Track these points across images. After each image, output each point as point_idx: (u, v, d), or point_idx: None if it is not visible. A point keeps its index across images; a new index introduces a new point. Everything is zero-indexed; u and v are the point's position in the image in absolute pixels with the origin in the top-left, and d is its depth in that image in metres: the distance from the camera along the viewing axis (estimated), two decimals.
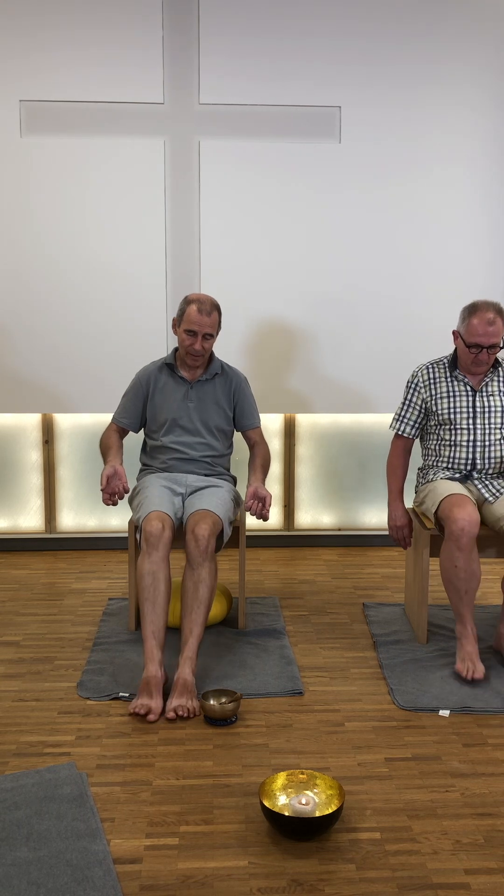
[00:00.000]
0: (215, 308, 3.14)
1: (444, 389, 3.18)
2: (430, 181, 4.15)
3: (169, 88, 4.02)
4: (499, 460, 3.16)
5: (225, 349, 4.04)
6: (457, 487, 3.05)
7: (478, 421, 3.14)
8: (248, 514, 3.17)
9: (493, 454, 3.15)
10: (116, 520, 4.36)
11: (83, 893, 1.84)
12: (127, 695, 2.75)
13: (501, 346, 3.08)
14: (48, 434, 4.29)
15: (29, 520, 4.36)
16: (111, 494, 2.94)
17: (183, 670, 2.72)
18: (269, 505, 3.01)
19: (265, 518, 3.01)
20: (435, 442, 3.24)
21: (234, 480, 3.34)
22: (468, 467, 3.16)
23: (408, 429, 3.27)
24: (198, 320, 3.09)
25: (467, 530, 2.85)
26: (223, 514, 3.02)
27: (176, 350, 3.27)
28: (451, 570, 2.90)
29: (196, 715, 2.63)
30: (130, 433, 3.34)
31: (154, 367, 3.28)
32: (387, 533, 3.32)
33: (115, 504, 2.96)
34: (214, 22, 3.97)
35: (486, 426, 3.14)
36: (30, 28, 3.92)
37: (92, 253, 4.10)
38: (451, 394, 3.17)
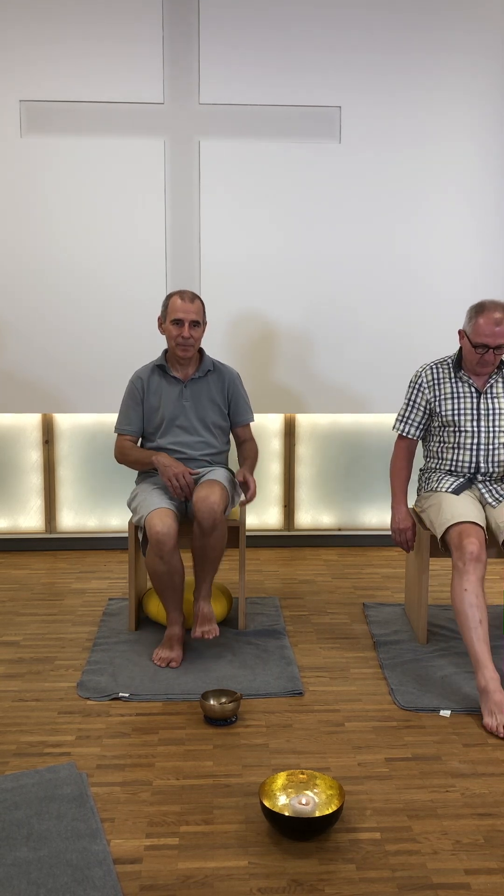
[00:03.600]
0: (197, 297, 3.21)
1: (448, 390, 3.14)
2: (431, 181, 4.15)
3: (169, 88, 4.02)
4: (503, 464, 3.14)
5: (225, 348, 4.04)
6: (462, 506, 2.96)
7: (482, 423, 3.10)
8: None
9: (497, 458, 3.11)
10: (116, 520, 4.36)
11: (83, 893, 1.84)
12: (127, 695, 2.75)
13: None
14: (48, 434, 4.29)
15: (29, 520, 4.36)
16: (187, 491, 3.05)
17: (202, 604, 3.06)
18: (254, 489, 3.10)
19: (249, 500, 3.12)
20: (438, 444, 3.20)
21: (231, 473, 3.34)
22: (472, 471, 3.13)
23: (412, 430, 3.23)
24: (182, 307, 3.14)
25: (478, 556, 2.78)
26: (229, 488, 3.10)
27: (166, 352, 3.28)
28: (460, 595, 2.76)
29: (217, 635, 3.02)
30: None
31: (146, 369, 3.29)
32: (387, 533, 3.30)
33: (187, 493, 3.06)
34: (214, 22, 3.97)
35: (491, 429, 3.10)
36: (30, 28, 3.92)
37: (92, 252, 4.10)
38: (455, 395, 3.13)
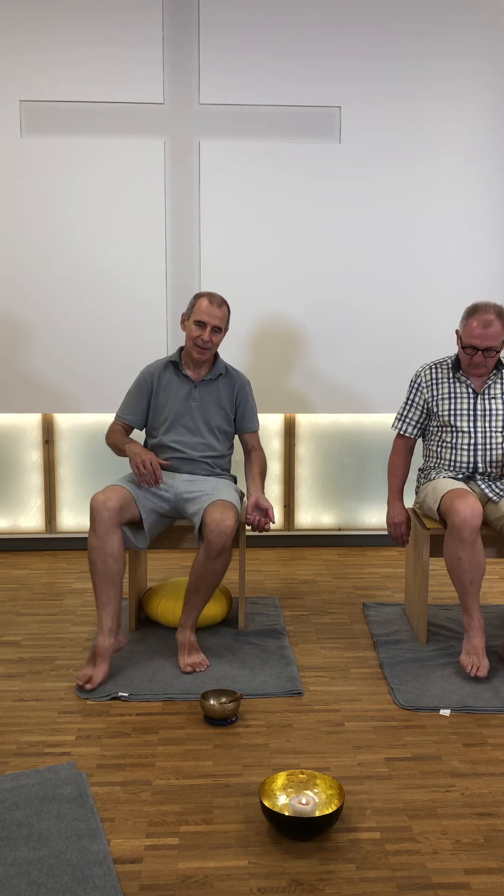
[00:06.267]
0: (225, 303, 3.19)
1: (446, 390, 3.16)
2: (431, 181, 4.15)
3: (169, 88, 4.02)
4: (500, 463, 3.14)
5: (226, 349, 4.03)
6: (458, 483, 3.03)
7: (478, 424, 3.12)
8: (248, 528, 3.16)
9: (494, 458, 3.12)
10: None
11: (83, 893, 1.84)
12: (127, 695, 2.75)
13: (500, 349, 3.04)
14: (48, 434, 4.29)
15: (29, 520, 4.36)
16: (152, 478, 3.01)
17: (188, 633, 3.00)
18: (273, 517, 3.06)
19: (266, 530, 3.05)
20: (436, 444, 3.22)
21: (234, 479, 3.34)
22: (469, 470, 3.14)
23: (409, 428, 3.26)
24: (208, 310, 3.12)
25: (469, 520, 2.81)
26: (238, 507, 3.07)
27: (181, 349, 3.28)
28: (454, 561, 2.86)
29: (208, 667, 2.94)
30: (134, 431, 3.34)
31: (159, 364, 3.28)
32: (387, 533, 3.31)
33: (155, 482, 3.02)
34: (214, 22, 3.97)
35: (487, 429, 3.11)
36: (30, 28, 3.92)
37: (92, 253, 4.10)
38: (453, 395, 3.14)
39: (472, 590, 2.88)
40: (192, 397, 3.22)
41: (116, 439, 3.20)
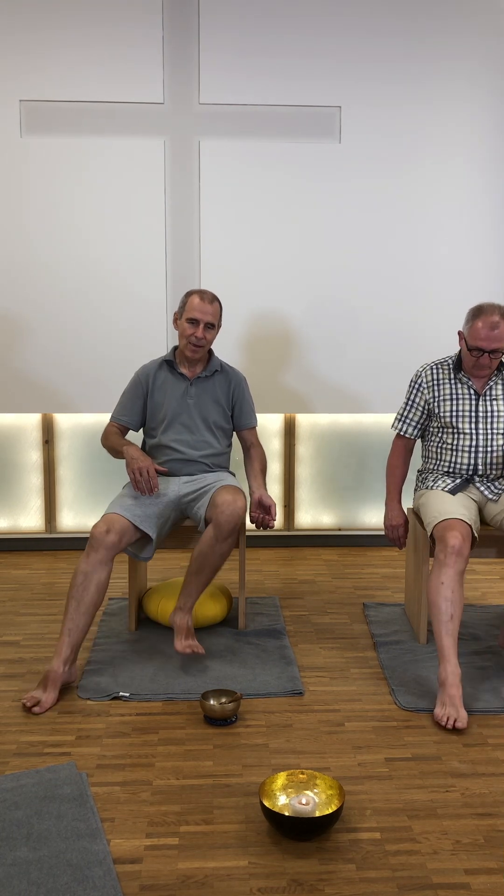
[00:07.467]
0: (216, 299, 3.19)
1: (448, 391, 3.15)
2: (431, 181, 4.15)
3: (169, 88, 4.02)
4: (501, 466, 3.13)
5: (225, 348, 4.04)
6: (451, 503, 2.96)
7: (480, 425, 3.11)
8: (251, 524, 3.16)
9: (494, 460, 3.11)
10: None
11: (83, 893, 1.84)
12: (127, 695, 2.75)
13: None
14: (48, 434, 4.29)
15: (29, 520, 4.36)
16: (148, 486, 3.01)
17: (187, 618, 2.99)
18: (275, 515, 3.06)
19: (270, 527, 3.05)
20: (436, 445, 3.21)
21: (232, 474, 3.33)
22: (469, 472, 3.14)
23: (409, 429, 3.25)
24: (200, 308, 3.12)
25: (458, 548, 2.77)
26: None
27: (175, 348, 3.28)
28: (436, 587, 2.75)
29: (202, 653, 2.94)
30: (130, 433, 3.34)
31: (153, 364, 3.29)
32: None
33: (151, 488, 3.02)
34: (214, 22, 3.97)
35: (489, 431, 3.10)
36: (30, 28, 3.92)
37: (92, 253, 4.11)
38: (454, 396, 3.13)
39: (452, 627, 2.71)
40: (189, 395, 3.22)
41: (114, 441, 3.19)
